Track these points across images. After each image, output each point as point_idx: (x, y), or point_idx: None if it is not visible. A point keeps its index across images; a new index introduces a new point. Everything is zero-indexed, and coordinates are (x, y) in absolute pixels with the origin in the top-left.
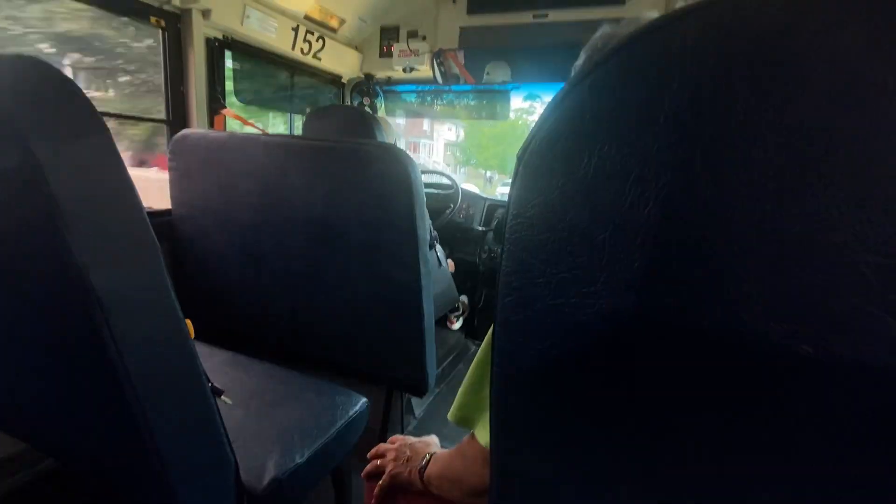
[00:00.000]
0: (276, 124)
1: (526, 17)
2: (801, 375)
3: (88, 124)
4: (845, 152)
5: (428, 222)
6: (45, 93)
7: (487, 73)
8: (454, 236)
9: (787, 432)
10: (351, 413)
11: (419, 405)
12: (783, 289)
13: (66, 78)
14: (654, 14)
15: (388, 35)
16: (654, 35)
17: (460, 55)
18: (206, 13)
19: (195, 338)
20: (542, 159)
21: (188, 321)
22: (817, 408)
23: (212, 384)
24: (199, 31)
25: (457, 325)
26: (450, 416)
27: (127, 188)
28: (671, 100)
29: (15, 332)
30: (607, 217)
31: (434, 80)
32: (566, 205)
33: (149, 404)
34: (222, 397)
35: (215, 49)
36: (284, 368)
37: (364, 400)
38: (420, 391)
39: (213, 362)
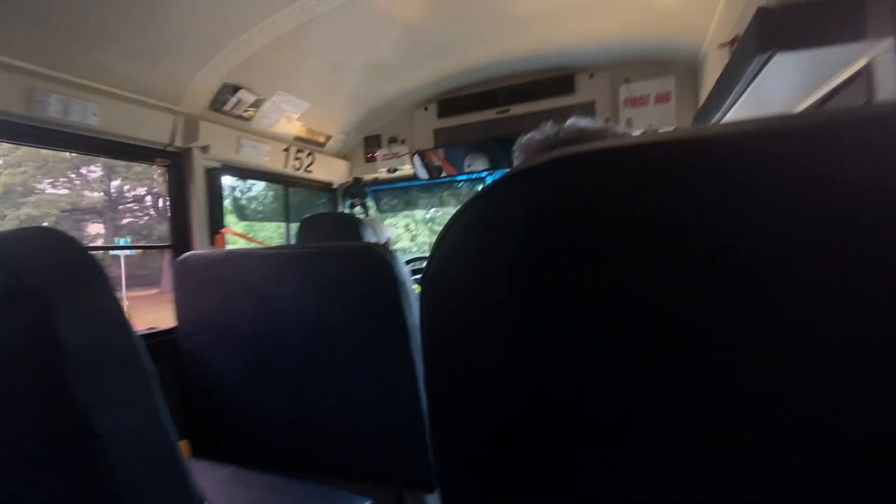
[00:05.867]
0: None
1: (490, 114)
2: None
3: (96, 280)
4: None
5: None
6: (62, 259)
7: (469, 165)
8: None
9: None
10: None
11: (434, 501)
12: None
13: (79, 245)
14: (584, 121)
15: (371, 143)
16: (518, 179)
17: (440, 151)
18: (204, 148)
19: (197, 455)
20: (435, 285)
21: (185, 441)
22: None
23: None
24: (199, 164)
25: None
26: None
27: (125, 327)
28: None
29: (11, 466)
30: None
31: (416, 177)
32: (459, 320)
33: None
34: None
35: (213, 175)
36: (287, 478)
37: (369, 502)
38: (428, 486)
39: (214, 479)
